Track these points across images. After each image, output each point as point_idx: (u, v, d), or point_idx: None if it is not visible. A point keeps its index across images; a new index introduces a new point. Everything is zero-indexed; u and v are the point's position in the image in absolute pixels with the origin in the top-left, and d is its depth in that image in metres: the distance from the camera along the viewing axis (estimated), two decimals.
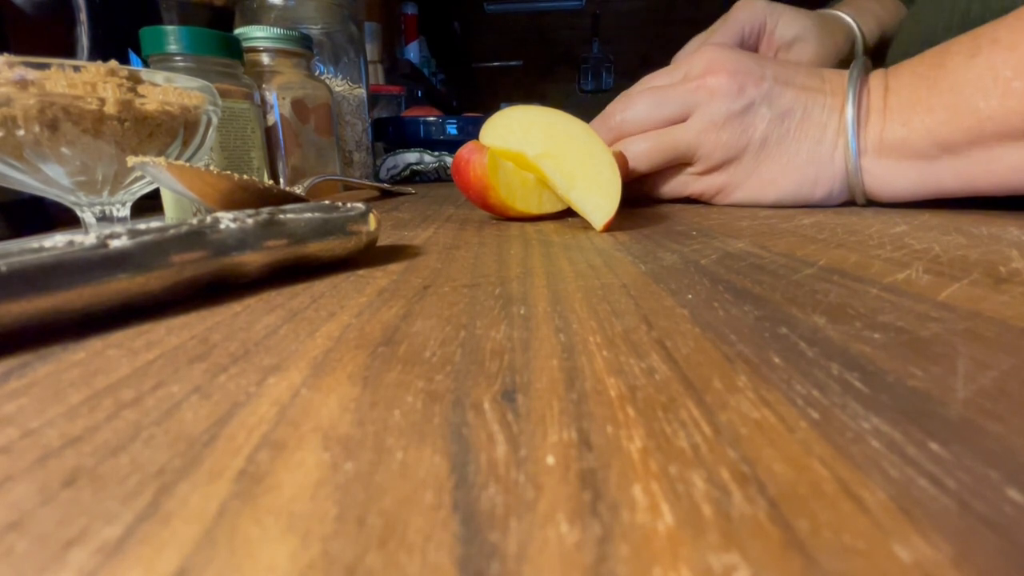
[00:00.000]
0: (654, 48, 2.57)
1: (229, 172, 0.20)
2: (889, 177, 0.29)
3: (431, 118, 0.69)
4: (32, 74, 0.19)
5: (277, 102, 0.41)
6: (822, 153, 0.31)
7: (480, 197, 0.27)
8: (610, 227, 0.25)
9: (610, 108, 0.35)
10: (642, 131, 0.34)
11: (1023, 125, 0.24)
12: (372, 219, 0.17)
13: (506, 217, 0.29)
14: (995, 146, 0.25)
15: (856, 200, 0.31)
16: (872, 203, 0.32)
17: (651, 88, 0.34)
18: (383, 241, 0.23)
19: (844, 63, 0.45)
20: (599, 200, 0.24)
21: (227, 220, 0.14)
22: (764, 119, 0.31)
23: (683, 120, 0.33)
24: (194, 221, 0.14)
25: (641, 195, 0.38)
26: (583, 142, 0.25)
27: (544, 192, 0.28)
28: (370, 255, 0.19)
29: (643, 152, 0.34)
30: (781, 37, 0.44)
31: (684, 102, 0.32)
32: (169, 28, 0.31)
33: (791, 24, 0.43)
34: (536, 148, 0.26)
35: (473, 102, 2.64)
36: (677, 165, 0.35)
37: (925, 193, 0.29)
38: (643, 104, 0.33)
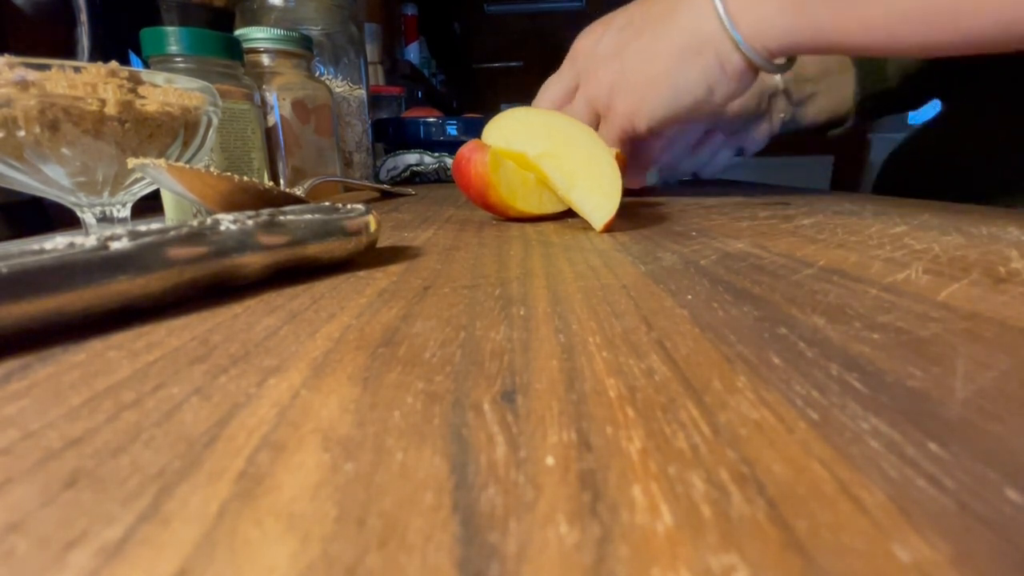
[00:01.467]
0: None
1: (229, 173, 0.20)
2: (763, 19, 0.28)
3: (431, 119, 0.69)
4: (32, 75, 0.19)
5: (277, 103, 0.41)
6: (685, 24, 0.30)
7: (480, 196, 0.27)
8: (610, 227, 0.25)
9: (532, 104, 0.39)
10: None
11: None
12: (372, 220, 0.17)
13: (506, 217, 0.29)
14: None
15: (758, 64, 0.30)
16: (784, 65, 0.31)
17: (550, 77, 0.38)
18: (383, 242, 0.23)
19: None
20: (599, 200, 0.24)
21: (227, 221, 0.14)
22: (620, 41, 0.33)
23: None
24: (194, 222, 0.14)
25: None
26: (584, 143, 0.25)
27: (544, 192, 0.28)
28: (370, 256, 0.19)
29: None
30: None
31: (570, 75, 0.36)
32: (169, 29, 0.31)
33: None
34: (537, 148, 0.26)
35: (473, 103, 2.64)
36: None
37: (805, 40, 0.28)
38: (548, 92, 0.38)
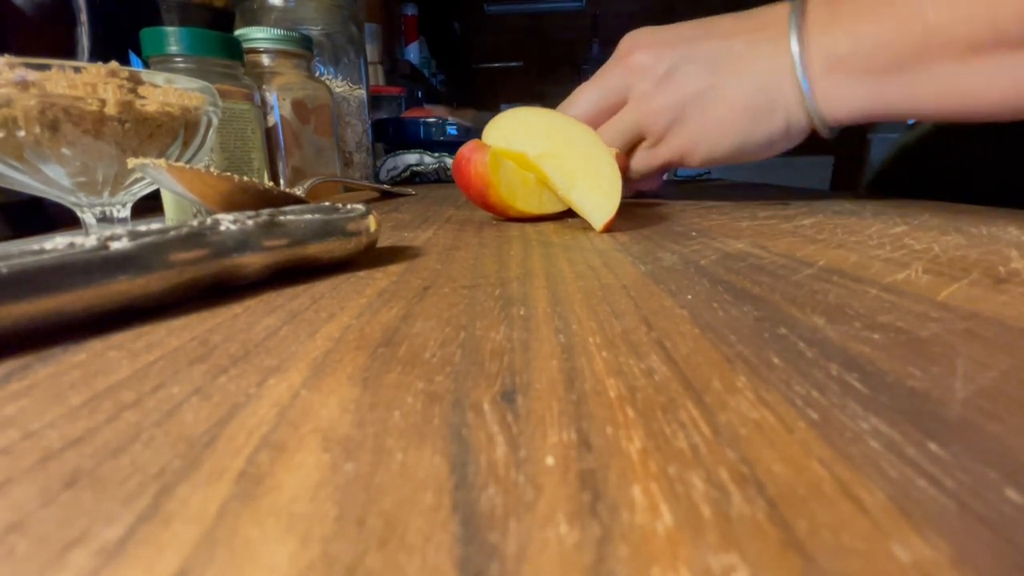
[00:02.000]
0: None
1: (229, 173, 0.20)
2: (840, 94, 0.29)
3: (431, 119, 0.69)
4: (33, 75, 0.19)
5: (277, 103, 0.41)
6: (765, 82, 0.30)
7: (480, 195, 0.27)
8: (610, 227, 0.25)
9: (560, 107, 0.37)
10: (591, 123, 0.35)
11: (968, 37, 0.23)
12: (372, 220, 0.17)
13: (506, 217, 0.29)
14: (941, 62, 0.25)
15: (818, 129, 0.31)
16: (837, 130, 0.31)
17: (588, 81, 0.36)
18: (383, 242, 0.23)
19: None
20: (599, 200, 0.24)
21: (227, 221, 0.14)
22: (691, 74, 0.31)
23: (624, 103, 0.34)
24: (194, 223, 0.14)
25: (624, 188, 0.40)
26: (584, 143, 0.25)
27: (544, 192, 0.28)
28: (370, 256, 0.19)
29: (606, 140, 0.35)
30: None
31: (617, 86, 0.34)
32: (169, 29, 0.31)
33: None
34: (537, 148, 0.26)
35: (473, 103, 2.64)
36: (639, 145, 0.35)
37: (876, 112, 0.29)
38: (584, 97, 0.35)
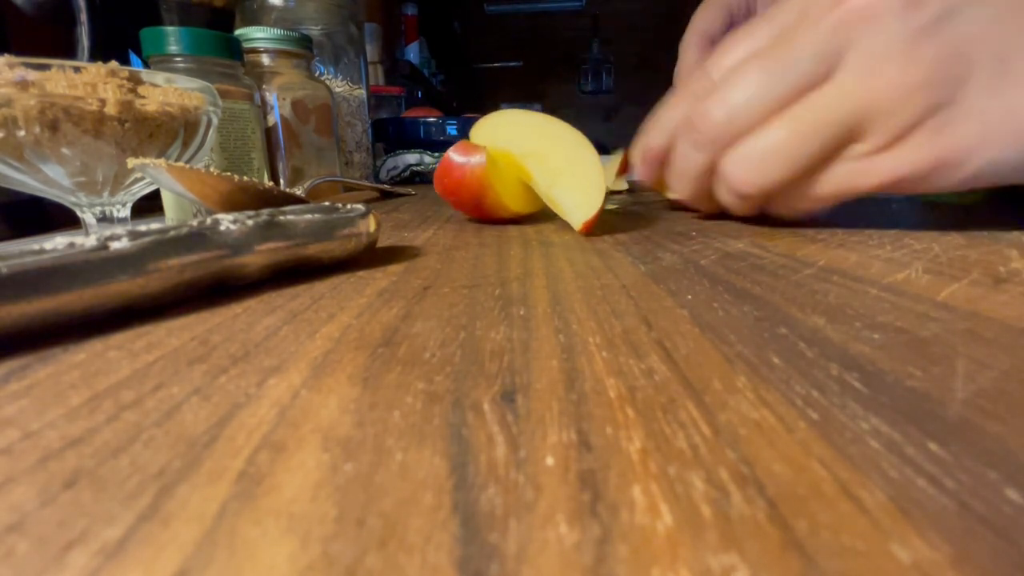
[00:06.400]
0: (654, 49, 2.57)
1: (229, 173, 0.20)
2: None
3: (431, 119, 0.69)
4: (32, 75, 0.19)
5: (277, 103, 0.41)
6: None
7: (475, 198, 0.26)
8: (590, 229, 0.24)
9: (694, 108, 0.22)
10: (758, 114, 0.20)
11: None
12: (372, 220, 0.17)
13: (497, 220, 0.29)
14: None
15: None
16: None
17: (755, 56, 0.21)
18: (383, 242, 0.23)
19: None
20: (579, 199, 0.24)
21: (227, 222, 0.14)
22: (977, 23, 0.18)
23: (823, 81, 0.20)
24: (194, 223, 0.14)
25: (775, 214, 0.24)
26: (570, 144, 0.25)
27: (535, 193, 0.28)
28: (370, 256, 0.19)
29: (780, 146, 0.20)
30: None
31: (818, 52, 0.19)
32: (169, 29, 0.31)
33: None
34: (523, 147, 0.26)
35: (473, 103, 2.64)
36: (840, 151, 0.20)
37: None
38: (754, 81, 0.20)
